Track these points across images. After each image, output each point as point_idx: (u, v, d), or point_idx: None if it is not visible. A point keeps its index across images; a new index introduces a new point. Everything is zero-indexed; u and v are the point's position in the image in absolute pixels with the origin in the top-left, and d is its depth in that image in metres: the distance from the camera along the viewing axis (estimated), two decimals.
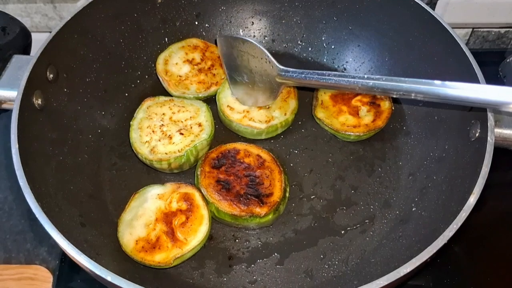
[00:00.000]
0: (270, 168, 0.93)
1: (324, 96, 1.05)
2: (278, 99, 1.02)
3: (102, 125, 1.02)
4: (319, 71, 0.87)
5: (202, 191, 0.90)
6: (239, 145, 0.96)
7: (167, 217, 0.86)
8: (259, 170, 0.92)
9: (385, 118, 1.01)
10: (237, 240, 0.90)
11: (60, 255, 0.96)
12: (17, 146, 0.77)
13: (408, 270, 0.66)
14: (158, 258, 0.82)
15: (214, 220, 0.90)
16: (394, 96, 0.93)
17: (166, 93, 1.05)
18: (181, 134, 0.95)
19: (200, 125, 0.97)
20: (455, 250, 0.95)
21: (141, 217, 0.87)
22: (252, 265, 0.87)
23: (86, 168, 0.95)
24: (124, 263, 0.83)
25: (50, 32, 0.91)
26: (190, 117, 0.99)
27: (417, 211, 0.89)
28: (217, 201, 0.88)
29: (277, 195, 0.89)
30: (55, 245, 0.78)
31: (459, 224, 0.70)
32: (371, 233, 0.91)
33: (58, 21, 1.24)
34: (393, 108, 1.02)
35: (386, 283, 0.65)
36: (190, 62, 1.09)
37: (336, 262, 0.87)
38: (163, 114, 0.99)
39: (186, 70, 1.08)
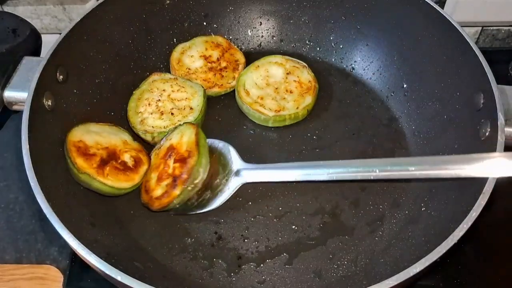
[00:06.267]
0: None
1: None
2: (296, 93, 1.04)
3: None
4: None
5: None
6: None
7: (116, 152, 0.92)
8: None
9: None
10: (246, 240, 0.90)
11: (71, 255, 0.97)
12: (27, 146, 0.78)
13: (418, 270, 0.66)
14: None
15: (224, 220, 0.91)
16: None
17: None
18: (172, 114, 0.98)
19: (191, 108, 1.00)
20: (465, 250, 0.95)
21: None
22: (261, 265, 0.87)
23: None
24: (134, 263, 0.83)
25: (60, 33, 0.92)
26: (186, 98, 1.01)
27: (427, 211, 0.89)
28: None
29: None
30: (65, 245, 0.79)
31: (469, 224, 0.70)
32: (380, 233, 0.90)
33: (68, 23, 1.25)
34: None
35: (395, 283, 0.64)
36: (205, 58, 1.09)
37: (345, 262, 0.87)
38: (164, 90, 1.02)
39: (197, 65, 1.08)
